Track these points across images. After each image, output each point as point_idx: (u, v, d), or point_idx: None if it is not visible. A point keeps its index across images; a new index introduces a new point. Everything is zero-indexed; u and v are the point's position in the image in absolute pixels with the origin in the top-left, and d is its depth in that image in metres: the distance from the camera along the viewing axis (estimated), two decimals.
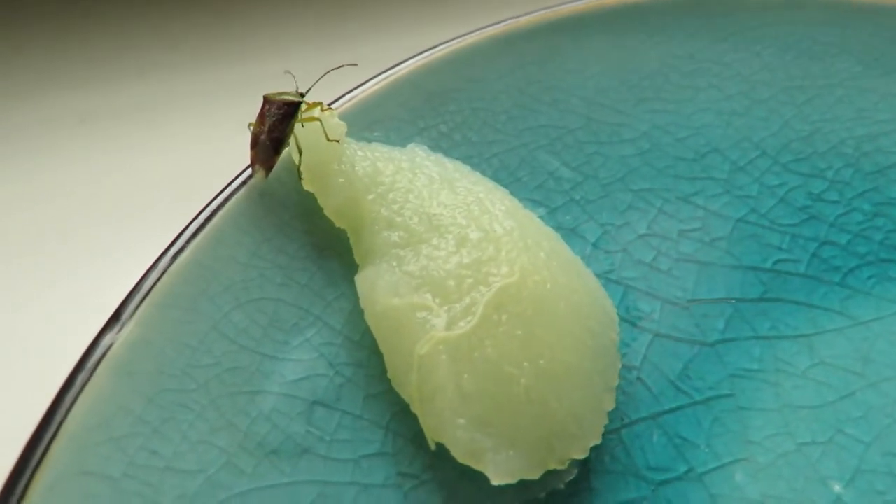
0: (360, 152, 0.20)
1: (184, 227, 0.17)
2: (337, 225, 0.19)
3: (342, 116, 0.22)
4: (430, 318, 0.17)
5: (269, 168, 0.19)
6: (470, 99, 0.25)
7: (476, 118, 0.25)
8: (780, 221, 0.25)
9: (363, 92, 0.23)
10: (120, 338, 0.15)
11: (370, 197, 0.19)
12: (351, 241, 0.19)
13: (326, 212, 0.19)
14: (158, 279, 0.16)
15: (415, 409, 0.16)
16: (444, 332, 0.16)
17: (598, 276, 0.23)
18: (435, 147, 0.23)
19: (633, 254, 0.24)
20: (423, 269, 0.18)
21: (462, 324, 0.17)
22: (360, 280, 0.18)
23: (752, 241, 0.24)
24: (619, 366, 0.19)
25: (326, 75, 0.20)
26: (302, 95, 0.19)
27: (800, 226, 0.25)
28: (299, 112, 0.19)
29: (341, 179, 0.19)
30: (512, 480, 0.16)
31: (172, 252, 0.17)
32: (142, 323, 0.15)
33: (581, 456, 0.17)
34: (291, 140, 0.19)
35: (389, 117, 0.23)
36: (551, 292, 0.18)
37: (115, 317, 0.15)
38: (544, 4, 0.27)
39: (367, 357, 0.18)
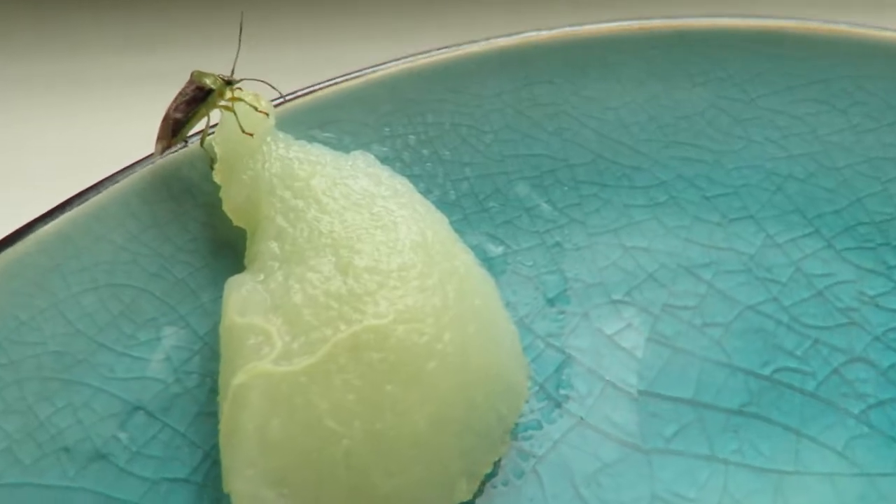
0: (281, 150, 0.18)
1: (68, 197, 0.17)
2: (234, 224, 0.18)
3: (294, 110, 0.20)
4: (263, 346, 0.15)
5: (165, 146, 0.18)
6: (453, 113, 0.22)
7: (455, 134, 0.22)
8: (806, 321, 0.20)
9: (325, 87, 0.21)
10: None
11: (271, 200, 0.17)
12: (246, 243, 0.18)
13: (225, 207, 0.18)
14: (9, 245, 0.16)
15: (221, 443, 0.15)
16: (269, 365, 0.14)
17: (537, 338, 0.19)
18: (394, 159, 0.21)
19: (594, 320, 0.20)
20: (284, 290, 0.16)
21: (297, 360, 0.15)
22: (227, 286, 0.16)
23: (757, 337, 0.20)
24: (502, 451, 0.16)
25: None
26: (228, 83, 0.18)
27: (832, 331, 0.20)
28: (212, 99, 0.18)
29: (246, 175, 0.18)
30: None
31: (38, 219, 0.16)
32: None
33: None
34: (216, 127, 0.18)
35: (350, 119, 0.21)
36: (425, 346, 0.15)
37: None
38: (576, 20, 0.24)
39: (219, 371, 0.16)
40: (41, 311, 0.16)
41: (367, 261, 0.16)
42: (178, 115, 0.18)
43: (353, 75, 0.21)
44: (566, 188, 0.22)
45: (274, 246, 0.17)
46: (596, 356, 0.19)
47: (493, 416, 0.16)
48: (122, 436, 0.15)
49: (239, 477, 0.14)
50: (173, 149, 0.18)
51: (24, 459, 0.14)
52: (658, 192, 0.22)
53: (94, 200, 0.17)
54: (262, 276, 0.16)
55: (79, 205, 0.17)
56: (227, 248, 0.18)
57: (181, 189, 0.18)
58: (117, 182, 0.17)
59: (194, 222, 0.18)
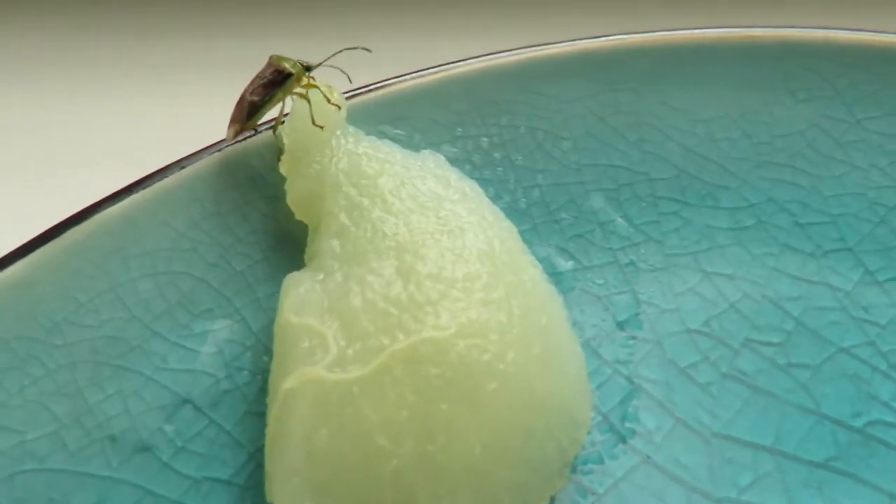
0: (350, 145, 0.18)
1: (135, 180, 0.17)
2: (297, 217, 0.17)
3: (366, 103, 0.20)
4: (317, 351, 0.14)
5: (239, 129, 0.17)
6: (530, 116, 0.21)
7: (530, 139, 0.21)
8: None
9: (399, 83, 0.20)
10: (7, 271, 0.15)
11: (336, 196, 0.17)
12: (308, 239, 0.17)
13: (288, 199, 0.17)
14: (74, 224, 0.15)
15: (266, 447, 0.14)
16: (322, 370, 0.14)
17: (604, 363, 0.18)
18: (464, 161, 0.20)
19: (668, 349, 0.18)
20: (343, 292, 0.15)
21: (350, 368, 0.14)
22: (285, 283, 0.16)
23: (849, 383, 0.18)
24: (558, 485, 0.15)
25: (339, 54, 0.18)
26: (307, 69, 0.18)
27: None
28: (289, 84, 0.17)
29: (312, 169, 0.17)
30: None
31: (104, 200, 0.16)
32: (36, 263, 0.15)
33: None
34: (284, 117, 0.18)
35: (422, 117, 0.20)
36: (487, 365, 0.14)
37: (22, 249, 0.15)
38: (669, 25, 0.22)
39: (270, 370, 0.16)
40: (100, 294, 0.15)
41: (430, 267, 0.15)
42: (255, 98, 0.17)
43: (428, 71, 0.21)
44: (644, 204, 0.21)
45: (335, 244, 0.16)
46: (667, 389, 0.18)
47: (553, 447, 0.15)
48: (169, 429, 0.15)
49: (282, 485, 0.13)
50: (245, 134, 0.18)
51: (70, 445, 0.14)
52: (745, 215, 0.21)
53: (160, 185, 0.17)
54: (321, 276, 0.16)
55: (145, 188, 0.16)
56: (287, 243, 0.18)
57: (246, 178, 0.18)
58: (184, 167, 0.17)
59: (256, 213, 0.18)
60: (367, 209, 0.17)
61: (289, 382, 0.14)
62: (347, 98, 0.19)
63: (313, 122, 0.17)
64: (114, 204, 0.16)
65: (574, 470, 0.16)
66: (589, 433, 0.16)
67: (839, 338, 0.19)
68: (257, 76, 0.18)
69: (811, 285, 0.20)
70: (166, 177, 0.17)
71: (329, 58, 0.18)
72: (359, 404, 0.13)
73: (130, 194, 0.16)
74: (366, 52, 0.18)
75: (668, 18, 0.28)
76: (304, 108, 0.18)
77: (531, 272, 0.17)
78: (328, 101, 0.17)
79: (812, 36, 0.22)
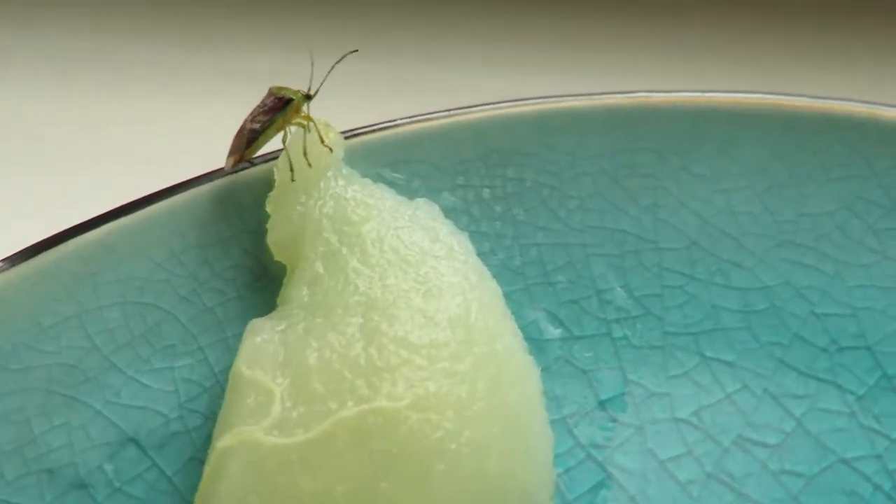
0: (339, 188, 0.17)
1: (120, 205, 0.16)
2: (276, 258, 0.17)
3: (366, 145, 0.19)
4: (261, 409, 0.13)
5: (237, 159, 0.17)
6: (539, 170, 0.20)
7: (535, 194, 0.20)
8: None
9: (406, 124, 0.19)
10: None
11: (315, 241, 0.16)
12: (283, 281, 0.17)
13: (268, 239, 0.17)
14: (50, 247, 0.15)
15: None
16: (260, 432, 0.13)
17: (578, 445, 0.17)
18: (462, 211, 0.19)
19: (650, 438, 0.17)
20: (301, 347, 0.14)
21: (293, 432, 0.13)
22: (248, 328, 0.15)
23: (846, 499, 0.16)
24: None
25: (336, 66, 0.17)
26: (308, 97, 0.17)
27: None
28: (290, 110, 0.17)
29: (296, 210, 0.17)
30: None
31: (84, 224, 0.16)
32: (4, 282, 0.15)
33: None
34: (282, 156, 0.17)
35: (424, 162, 0.19)
36: (437, 443, 0.14)
37: None
38: (698, 86, 0.21)
39: None
40: (65, 320, 0.15)
41: (396, 329, 0.15)
42: (255, 126, 0.17)
43: (437, 114, 0.20)
44: (649, 274, 0.19)
45: (305, 293, 0.16)
46: (642, 483, 0.16)
47: None
48: (109, 468, 0.14)
49: None
50: (242, 165, 0.18)
51: (7, 474, 0.14)
52: (757, 298, 0.19)
53: (144, 212, 0.16)
54: (283, 325, 0.15)
55: (127, 214, 0.16)
56: (265, 282, 0.17)
57: (235, 212, 0.17)
58: (172, 196, 0.17)
59: (238, 249, 0.17)
60: (345, 258, 0.16)
61: (225, 441, 0.13)
62: (349, 136, 0.19)
63: (305, 154, 0.17)
64: (94, 228, 0.16)
65: None
66: None
67: (842, 447, 0.17)
68: (257, 106, 0.18)
69: (819, 384, 0.18)
70: (151, 204, 0.17)
71: (325, 79, 0.17)
72: (294, 473, 0.13)
73: (112, 220, 0.16)
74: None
75: (698, 79, 0.27)
76: (299, 144, 0.17)
77: (508, 341, 0.16)
78: (322, 142, 0.17)
79: (855, 110, 0.20)
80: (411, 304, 0.15)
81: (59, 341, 0.15)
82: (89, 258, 0.16)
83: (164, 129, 0.30)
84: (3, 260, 0.15)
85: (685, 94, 0.21)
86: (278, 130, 0.17)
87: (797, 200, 0.20)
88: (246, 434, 0.13)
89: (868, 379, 0.18)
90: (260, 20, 0.32)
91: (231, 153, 0.18)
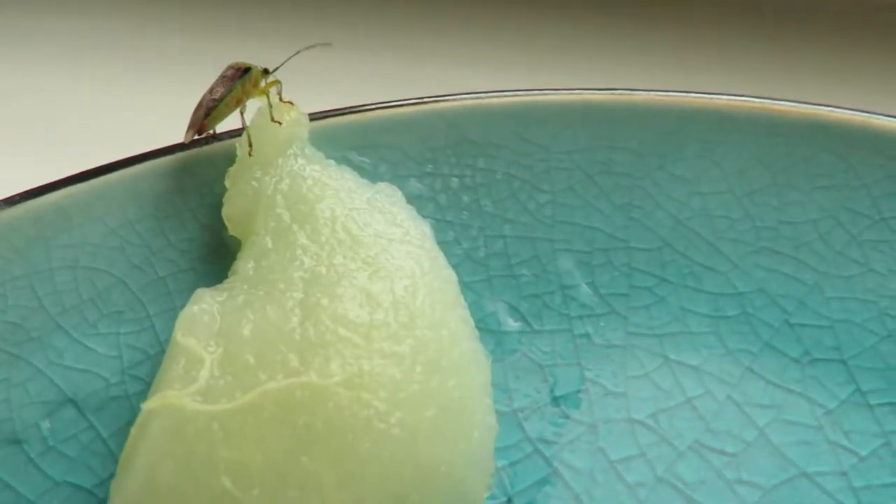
0: (298, 166, 0.17)
1: (81, 171, 0.17)
2: (230, 232, 0.17)
3: (334, 127, 0.19)
4: (189, 375, 0.13)
5: (196, 131, 0.17)
6: (511, 162, 0.20)
7: (505, 186, 0.20)
8: None
9: (375, 109, 0.19)
10: None
11: (267, 217, 0.16)
12: (237, 256, 0.17)
13: (223, 212, 0.17)
14: (5, 207, 0.16)
15: (118, 467, 0.13)
16: (185, 397, 0.13)
17: (526, 439, 0.17)
18: (428, 199, 0.19)
19: (602, 437, 0.17)
20: (238, 317, 0.14)
21: (221, 400, 0.13)
22: (192, 297, 0.15)
23: None
24: None
25: (299, 54, 0.17)
26: (266, 71, 0.17)
27: None
28: (248, 81, 0.17)
29: (250, 185, 0.17)
30: None
31: (40, 188, 0.16)
32: None
33: None
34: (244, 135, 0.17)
35: (392, 147, 0.19)
36: (364, 422, 0.13)
37: None
38: (683, 86, 0.21)
39: None
40: (13, 279, 0.15)
41: (336, 307, 0.15)
42: (213, 97, 0.17)
43: (407, 101, 0.20)
44: (617, 273, 0.19)
45: (251, 266, 0.16)
46: (589, 482, 0.16)
47: None
48: (45, 426, 0.14)
49: None
50: (202, 138, 0.18)
51: None
52: (729, 304, 0.18)
53: (102, 179, 0.17)
54: (224, 296, 0.15)
55: (84, 181, 0.16)
56: (219, 256, 0.17)
57: (194, 185, 0.18)
58: (131, 166, 0.17)
59: (195, 222, 0.17)
60: (295, 234, 0.16)
61: (150, 403, 0.13)
62: (317, 118, 0.19)
63: (271, 118, 0.17)
64: (50, 192, 0.16)
65: None
66: None
67: (805, 461, 0.16)
68: (217, 79, 0.18)
69: (788, 394, 0.17)
70: (110, 172, 0.17)
71: (288, 59, 0.17)
72: (213, 441, 0.13)
73: (69, 185, 0.16)
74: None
75: (684, 78, 0.26)
76: (263, 121, 0.17)
77: (454, 329, 0.16)
78: (272, 118, 0.17)
79: (846, 118, 0.20)
80: (355, 284, 0.15)
81: (7, 300, 0.15)
82: (43, 221, 0.16)
83: (163, 114, 0.31)
84: None
85: (668, 93, 0.20)
86: (237, 102, 0.17)
87: (778, 207, 0.19)
88: (170, 398, 0.13)
89: (840, 393, 0.17)
90: (255, 11, 0.32)
91: (190, 126, 0.18)
